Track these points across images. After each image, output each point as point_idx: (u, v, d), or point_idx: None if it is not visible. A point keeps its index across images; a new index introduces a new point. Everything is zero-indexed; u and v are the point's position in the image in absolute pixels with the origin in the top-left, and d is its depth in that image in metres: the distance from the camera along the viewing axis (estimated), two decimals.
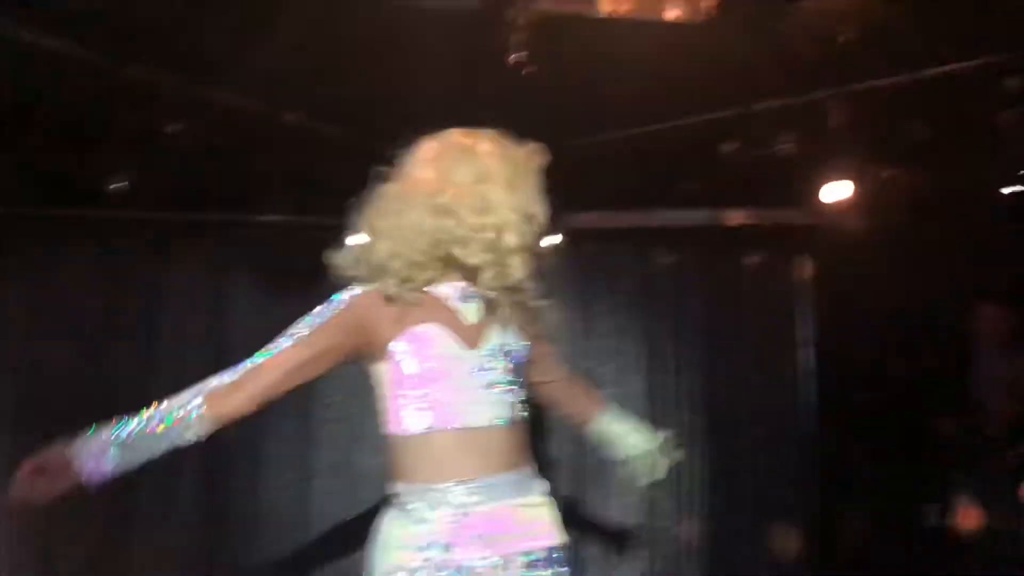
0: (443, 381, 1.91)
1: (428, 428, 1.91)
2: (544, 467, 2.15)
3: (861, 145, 4.15)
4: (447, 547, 1.88)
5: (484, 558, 1.89)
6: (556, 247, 4.54)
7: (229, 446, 4.57)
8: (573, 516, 4.73)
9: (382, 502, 2.08)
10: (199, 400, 1.90)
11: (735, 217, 4.82)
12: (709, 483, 4.85)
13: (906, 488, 4.74)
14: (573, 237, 4.83)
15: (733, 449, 4.91)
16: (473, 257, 1.93)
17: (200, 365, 4.56)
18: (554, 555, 1.97)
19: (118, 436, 1.88)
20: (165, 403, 1.91)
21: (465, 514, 1.89)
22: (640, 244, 5.02)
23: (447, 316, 1.96)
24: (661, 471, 2.29)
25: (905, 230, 4.47)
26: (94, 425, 1.93)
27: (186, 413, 1.90)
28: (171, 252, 4.67)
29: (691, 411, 4.91)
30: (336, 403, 4.67)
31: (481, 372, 1.93)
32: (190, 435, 1.91)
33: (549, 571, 1.94)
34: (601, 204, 4.79)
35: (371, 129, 4.08)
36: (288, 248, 4.72)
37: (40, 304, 4.49)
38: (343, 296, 2.02)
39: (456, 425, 1.91)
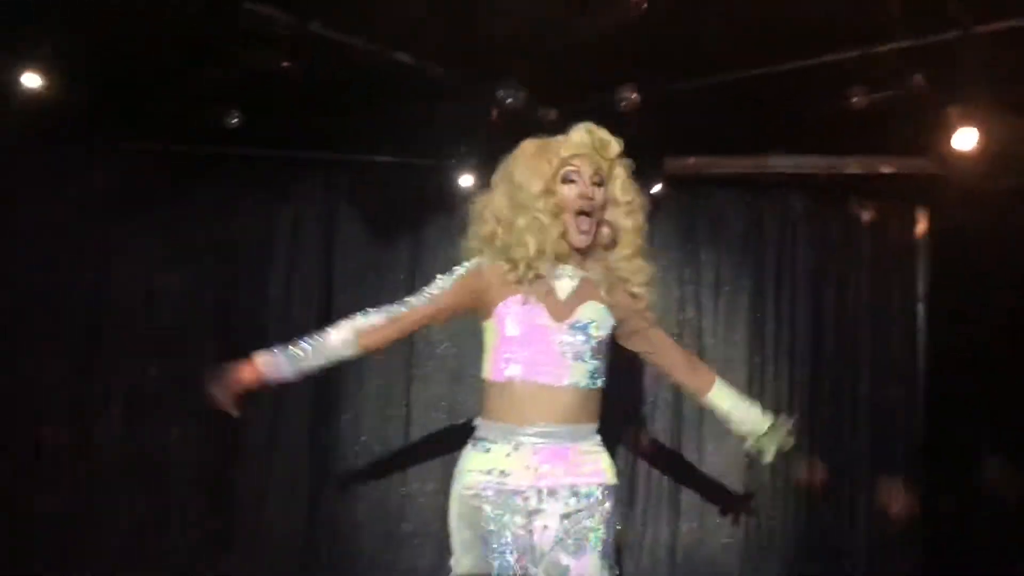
0: (533, 345, 2.28)
1: (512, 379, 2.29)
2: None
3: (990, 91, 3.90)
4: (503, 473, 2.29)
5: (533, 486, 2.28)
6: (662, 192, 4.57)
7: (335, 384, 4.75)
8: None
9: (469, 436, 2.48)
10: (351, 336, 2.39)
11: (851, 165, 4.64)
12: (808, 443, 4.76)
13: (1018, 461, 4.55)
14: (680, 182, 4.77)
15: (838, 407, 4.79)
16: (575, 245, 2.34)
17: (308, 300, 4.80)
18: (598, 493, 2.31)
19: (290, 353, 2.42)
20: (323, 335, 2.41)
21: (521, 448, 2.28)
22: (750, 191, 4.89)
23: (545, 291, 2.30)
24: (770, 455, 2.51)
25: None
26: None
27: (341, 344, 2.39)
28: (282, 189, 4.81)
29: (795, 365, 4.81)
30: (440, 345, 4.78)
31: (565, 342, 2.28)
32: (346, 354, 2.41)
33: (589, 503, 2.29)
34: (710, 149, 4.68)
35: (479, 72, 4.08)
36: (395, 188, 4.81)
37: (160, 237, 4.74)
38: (469, 266, 2.39)
39: (536, 381, 2.27)
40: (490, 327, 2.35)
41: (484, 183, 4.61)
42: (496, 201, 2.39)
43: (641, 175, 4.48)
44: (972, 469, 4.63)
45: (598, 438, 2.40)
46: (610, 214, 2.39)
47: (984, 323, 4.61)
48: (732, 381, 4.70)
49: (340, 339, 2.36)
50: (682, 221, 4.89)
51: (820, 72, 3.93)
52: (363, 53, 3.91)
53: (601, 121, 4.23)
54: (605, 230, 2.38)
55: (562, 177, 2.33)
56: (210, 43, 3.83)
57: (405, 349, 4.77)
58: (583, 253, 2.37)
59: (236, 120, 4.21)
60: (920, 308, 4.86)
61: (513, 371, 2.28)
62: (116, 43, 3.79)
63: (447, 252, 4.81)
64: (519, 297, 2.29)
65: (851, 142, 4.58)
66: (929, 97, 3.97)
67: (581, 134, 2.38)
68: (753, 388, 4.76)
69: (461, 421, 4.74)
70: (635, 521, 4.69)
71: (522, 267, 2.28)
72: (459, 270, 2.39)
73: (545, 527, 2.29)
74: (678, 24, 3.53)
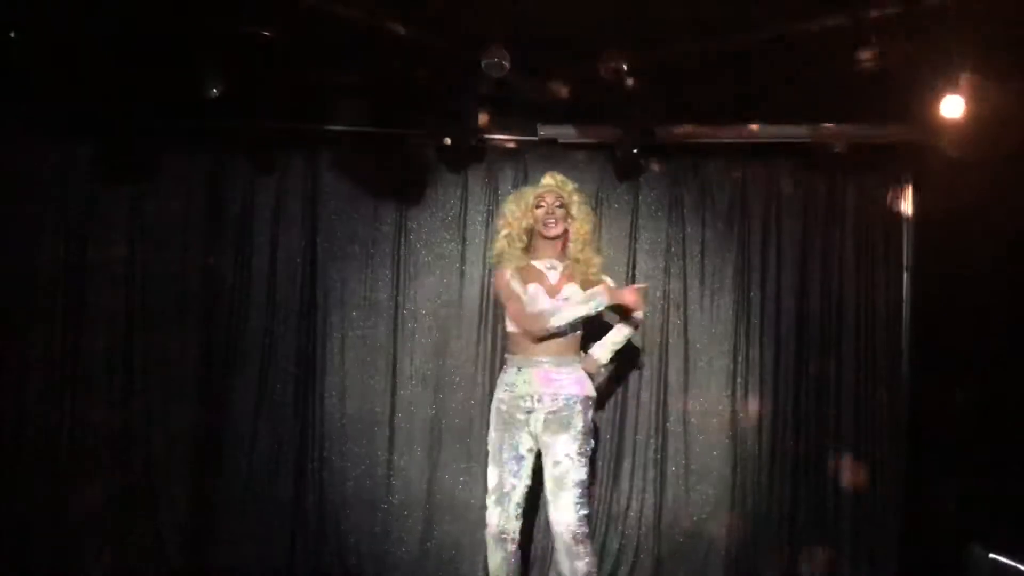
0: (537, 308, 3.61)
1: (517, 328, 3.63)
2: None
3: (978, 60, 3.89)
4: (512, 386, 3.61)
5: (530, 395, 3.57)
6: (650, 162, 4.57)
7: (320, 357, 4.75)
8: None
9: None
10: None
11: (837, 133, 4.62)
12: (793, 412, 4.80)
13: (1010, 423, 4.57)
14: (667, 152, 4.75)
15: (822, 378, 4.81)
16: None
17: (292, 273, 4.78)
18: (575, 400, 3.56)
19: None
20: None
21: (522, 370, 3.61)
22: (737, 161, 4.87)
23: (541, 277, 3.65)
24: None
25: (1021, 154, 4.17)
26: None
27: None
28: (266, 161, 4.76)
29: (780, 332, 4.82)
30: (424, 320, 4.80)
31: (554, 308, 3.58)
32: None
33: (569, 405, 3.54)
34: (697, 119, 4.65)
35: (463, 41, 4.04)
36: (380, 159, 4.77)
37: (141, 209, 4.69)
38: (510, 269, 3.65)
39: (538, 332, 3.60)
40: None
41: (469, 153, 4.67)
42: (503, 224, 3.74)
43: (630, 143, 4.53)
44: (959, 443, 4.66)
45: (578, 366, 3.66)
46: (571, 225, 3.70)
47: (970, 293, 4.62)
48: (717, 351, 4.81)
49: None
50: (669, 192, 4.87)
51: (808, 39, 3.90)
52: (347, 22, 3.86)
53: (585, 88, 4.21)
54: (570, 234, 3.71)
55: (535, 205, 3.69)
56: (191, 12, 3.78)
57: (389, 323, 4.76)
58: (561, 249, 3.71)
59: (216, 91, 4.15)
60: (906, 278, 4.86)
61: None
62: (97, 10, 3.74)
63: (433, 226, 4.82)
64: (531, 285, 3.62)
65: (838, 111, 4.57)
66: (914, 65, 3.95)
67: (547, 179, 3.75)
68: (738, 358, 4.78)
69: (445, 393, 4.75)
70: (621, 491, 4.72)
71: (518, 260, 3.65)
72: (507, 274, 3.64)
73: (538, 419, 3.54)
74: None
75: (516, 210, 3.67)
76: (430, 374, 4.76)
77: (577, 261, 3.67)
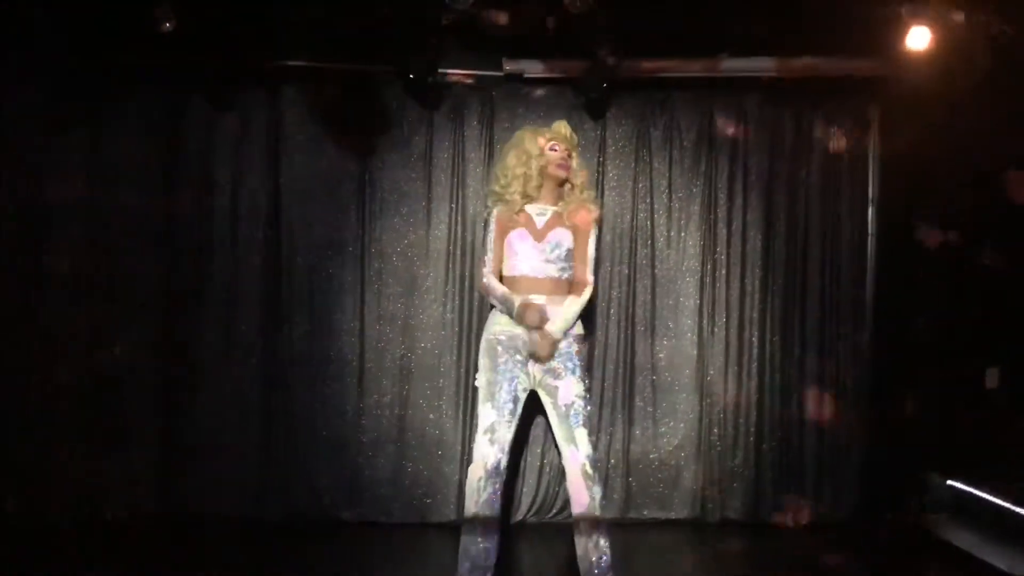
0: (525, 254, 3.66)
1: (514, 274, 3.67)
2: None
3: None
4: (510, 324, 3.60)
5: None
6: (616, 96, 4.51)
7: (287, 299, 4.71)
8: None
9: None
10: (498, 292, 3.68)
11: (802, 66, 4.59)
12: (759, 346, 4.86)
13: (968, 353, 4.67)
14: (634, 86, 4.70)
15: (787, 311, 4.87)
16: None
17: (255, 212, 4.71)
18: (568, 339, 3.59)
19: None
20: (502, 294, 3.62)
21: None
22: (703, 95, 4.84)
23: (529, 223, 3.69)
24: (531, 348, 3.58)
25: (987, 87, 4.15)
26: None
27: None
28: (226, 97, 4.66)
29: (747, 267, 4.85)
30: (394, 260, 4.77)
31: (541, 252, 3.65)
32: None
33: (566, 344, 3.58)
34: (664, 51, 4.60)
35: None
36: (344, 97, 4.68)
37: (99, 147, 4.58)
38: (495, 215, 3.72)
39: (529, 275, 3.65)
40: (505, 245, 3.69)
41: (434, 89, 4.59)
42: (507, 162, 3.72)
43: (597, 78, 4.47)
44: (919, 376, 4.75)
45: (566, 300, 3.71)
46: (572, 176, 3.76)
47: (933, 226, 4.67)
48: (684, 285, 4.84)
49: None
50: (636, 128, 4.84)
51: None
52: None
53: (551, 20, 4.13)
54: (570, 183, 3.77)
55: (550, 148, 3.71)
56: None
57: (356, 262, 4.73)
58: (559, 192, 3.75)
59: (169, 25, 4.02)
60: (871, 212, 4.89)
61: (518, 268, 3.66)
62: None
63: (398, 164, 4.76)
64: (519, 230, 3.68)
65: (805, 44, 4.54)
66: None
67: (562, 128, 3.75)
68: (704, 293, 4.82)
69: (413, 332, 4.74)
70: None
71: (518, 200, 3.68)
72: (492, 221, 3.72)
73: (535, 362, 3.58)
74: None
75: (535, 147, 3.69)
76: (398, 314, 4.75)
77: (574, 202, 3.73)
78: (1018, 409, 4.39)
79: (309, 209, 4.73)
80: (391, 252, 4.76)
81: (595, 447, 3.65)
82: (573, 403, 3.55)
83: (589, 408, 3.65)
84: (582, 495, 3.50)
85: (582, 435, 3.53)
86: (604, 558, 3.48)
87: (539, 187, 3.70)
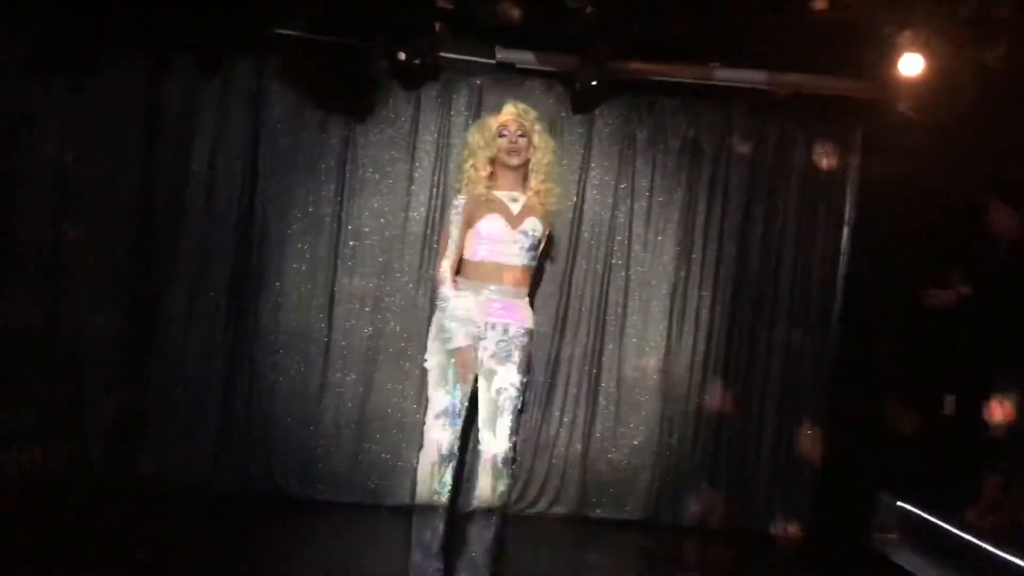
0: (495, 240, 3.59)
1: (481, 259, 3.60)
2: None
3: (939, 17, 3.89)
4: (467, 310, 3.53)
5: (483, 321, 3.55)
6: (604, 96, 4.50)
7: (257, 273, 4.66)
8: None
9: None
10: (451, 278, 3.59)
11: (794, 82, 4.62)
12: (724, 355, 4.89)
13: (927, 380, 4.73)
14: (622, 87, 4.70)
15: (755, 324, 4.91)
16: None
17: (232, 179, 4.64)
18: (522, 331, 3.59)
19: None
20: (445, 296, 3.55)
21: (477, 294, 3.56)
22: (690, 102, 4.84)
23: (503, 209, 3.61)
24: None
25: (972, 118, 4.19)
26: None
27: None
28: (211, 61, 4.56)
29: (719, 275, 4.88)
30: (367, 239, 4.72)
31: (514, 240, 3.60)
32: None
33: (518, 335, 3.57)
34: (656, 55, 4.61)
35: None
36: (328, 69, 4.61)
37: (79, 106, 4.48)
38: (461, 202, 3.62)
39: (495, 261, 3.60)
40: (471, 232, 3.60)
41: (423, 71, 4.55)
42: (466, 154, 3.69)
43: (588, 75, 4.46)
44: (880, 400, 4.80)
45: (527, 299, 3.70)
46: (533, 155, 3.67)
47: (905, 255, 4.71)
48: (656, 291, 4.86)
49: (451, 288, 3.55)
50: (622, 128, 4.84)
51: None
52: None
53: (547, 14, 4.11)
54: (531, 164, 3.67)
55: (498, 134, 3.64)
56: None
57: (331, 239, 4.68)
58: (522, 180, 3.68)
59: None
60: (845, 232, 4.94)
61: (483, 254, 3.59)
62: None
63: (381, 143, 4.71)
64: (492, 215, 3.59)
65: (796, 61, 4.56)
66: (873, 19, 3.94)
67: (509, 107, 3.69)
68: (676, 301, 4.84)
69: (384, 314, 4.71)
70: (551, 421, 4.78)
71: (481, 190, 3.61)
72: (457, 207, 3.61)
73: (485, 348, 3.55)
74: None
75: (480, 139, 3.63)
76: (370, 294, 4.71)
77: (538, 193, 3.66)
78: (969, 436, 4.45)
79: (287, 181, 4.67)
80: (368, 231, 4.71)
81: (516, 449, 3.59)
82: (506, 390, 3.50)
83: (521, 403, 3.58)
84: (485, 487, 3.49)
85: (504, 425, 3.48)
86: (485, 553, 3.50)
87: (497, 176, 3.64)
